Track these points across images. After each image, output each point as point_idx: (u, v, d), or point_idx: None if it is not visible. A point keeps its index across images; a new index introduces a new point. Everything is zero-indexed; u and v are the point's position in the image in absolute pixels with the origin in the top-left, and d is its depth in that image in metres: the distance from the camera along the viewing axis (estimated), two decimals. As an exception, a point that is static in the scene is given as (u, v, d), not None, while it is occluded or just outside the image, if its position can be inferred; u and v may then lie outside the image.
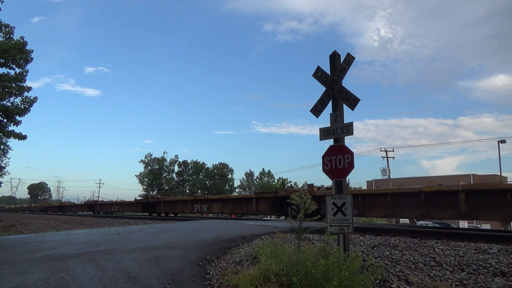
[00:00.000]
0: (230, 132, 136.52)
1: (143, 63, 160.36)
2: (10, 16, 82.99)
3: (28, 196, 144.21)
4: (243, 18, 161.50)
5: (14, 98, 19.86)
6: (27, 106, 20.03)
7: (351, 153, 4.93)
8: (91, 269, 5.13)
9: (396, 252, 5.80)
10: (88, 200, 62.39)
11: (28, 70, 20.56)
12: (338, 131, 5.10)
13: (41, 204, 60.75)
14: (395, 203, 13.29)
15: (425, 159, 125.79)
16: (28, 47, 20.08)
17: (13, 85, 19.61)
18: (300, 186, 48.63)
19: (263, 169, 72.38)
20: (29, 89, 20.25)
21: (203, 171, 77.35)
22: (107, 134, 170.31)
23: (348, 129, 5.02)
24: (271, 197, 18.44)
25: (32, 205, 78.36)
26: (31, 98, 20.29)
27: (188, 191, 72.59)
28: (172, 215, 29.26)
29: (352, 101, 5.04)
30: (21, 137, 20.46)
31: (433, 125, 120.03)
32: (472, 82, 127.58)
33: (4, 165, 29.97)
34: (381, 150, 47.31)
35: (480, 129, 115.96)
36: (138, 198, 40.03)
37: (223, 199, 23.41)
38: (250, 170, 74.36)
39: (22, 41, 19.71)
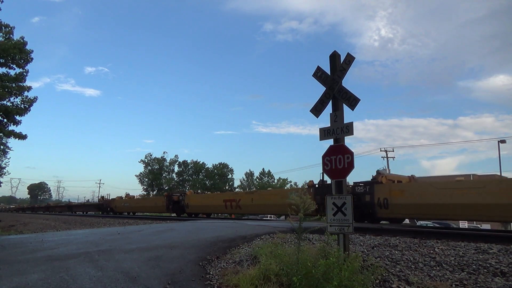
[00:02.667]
0: (230, 132, 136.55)
1: (143, 63, 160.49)
2: (10, 16, 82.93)
3: (28, 196, 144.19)
4: (243, 18, 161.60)
5: (14, 98, 19.85)
6: (27, 106, 20.00)
7: (351, 153, 4.93)
8: (91, 269, 5.13)
9: (396, 252, 5.80)
10: (101, 198, 50.76)
11: (28, 70, 20.54)
12: (338, 131, 5.10)
13: (49, 204, 57.79)
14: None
15: (425, 159, 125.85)
16: (28, 47, 20.06)
17: (13, 85, 19.60)
18: (300, 186, 48.47)
19: (263, 169, 72.33)
20: (29, 88, 20.22)
21: (203, 171, 77.25)
22: (107, 134, 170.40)
23: (348, 129, 5.02)
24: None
25: (36, 205, 76.21)
26: (31, 98, 20.26)
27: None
28: (204, 216, 26.16)
29: (352, 101, 5.04)
30: (21, 136, 20.43)
31: (433, 125, 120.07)
32: (472, 82, 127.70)
33: (4, 165, 29.96)
34: (381, 150, 47.36)
35: (480, 129, 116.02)
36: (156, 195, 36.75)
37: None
38: (250, 170, 74.27)
39: (22, 41, 19.68)
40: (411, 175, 17.12)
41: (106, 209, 38.57)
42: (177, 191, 36.16)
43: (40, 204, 77.21)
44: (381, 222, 15.33)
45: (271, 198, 20.30)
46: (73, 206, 53.15)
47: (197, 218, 23.14)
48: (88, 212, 43.78)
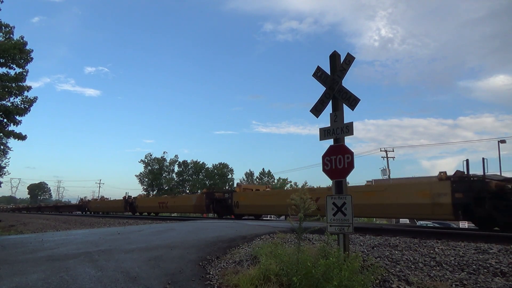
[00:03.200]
0: (230, 132, 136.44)
1: (143, 63, 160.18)
2: (10, 16, 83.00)
3: (28, 196, 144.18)
4: (243, 18, 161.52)
5: (14, 98, 19.87)
6: (27, 106, 20.02)
7: (351, 153, 4.93)
8: (91, 269, 5.13)
9: (396, 252, 5.80)
10: (80, 200, 52.00)
11: (28, 70, 20.56)
12: (338, 131, 5.10)
13: (40, 205, 57.68)
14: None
15: (425, 159, 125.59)
16: (28, 47, 20.09)
17: (13, 85, 19.61)
18: (300, 186, 48.51)
19: (263, 169, 72.45)
20: (29, 88, 20.24)
21: (203, 171, 77.31)
22: (107, 134, 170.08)
23: (348, 129, 5.02)
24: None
25: (42, 204, 76.29)
26: (31, 98, 20.29)
27: (188, 191, 72.63)
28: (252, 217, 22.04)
29: (352, 101, 5.04)
30: (21, 137, 20.45)
31: (433, 125, 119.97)
32: (472, 82, 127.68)
33: (4, 165, 29.98)
34: (381, 150, 47.39)
35: (480, 129, 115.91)
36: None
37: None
38: (250, 170, 74.40)
39: (22, 41, 19.70)
40: (267, 185, 24.09)
41: (84, 209, 46.03)
42: (220, 189, 33.64)
43: (34, 205, 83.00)
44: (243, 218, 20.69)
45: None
46: (59, 207, 61.39)
47: (197, 218, 23.11)
48: (74, 212, 49.87)
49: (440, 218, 16.40)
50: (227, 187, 72.45)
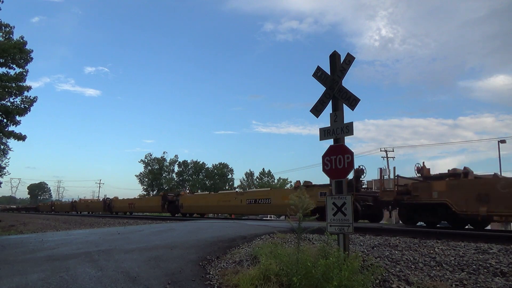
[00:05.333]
0: (230, 132, 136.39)
1: (143, 63, 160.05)
2: (10, 16, 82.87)
3: (28, 196, 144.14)
4: (243, 18, 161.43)
5: (14, 98, 19.86)
6: (27, 106, 20.02)
7: (351, 153, 4.93)
8: (91, 269, 5.13)
9: (396, 252, 5.80)
10: (105, 198, 49.25)
11: (28, 69, 20.56)
12: (338, 131, 5.10)
13: (74, 202, 54.82)
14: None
15: (425, 159, 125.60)
16: (28, 47, 20.09)
17: (13, 84, 19.60)
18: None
19: (263, 169, 72.29)
20: (28, 88, 20.23)
21: (203, 171, 77.27)
22: (107, 134, 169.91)
23: (348, 129, 5.02)
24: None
25: (22, 206, 77.41)
26: (31, 98, 20.28)
27: (187, 191, 72.63)
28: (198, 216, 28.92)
29: (352, 101, 5.04)
30: (21, 137, 20.43)
31: (433, 125, 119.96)
32: (472, 82, 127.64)
33: (4, 165, 29.95)
34: (381, 150, 47.30)
35: (480, 129, 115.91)
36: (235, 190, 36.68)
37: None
38: (250, 170, 74.22)
39: (22, 40, 19.70)
40: (188, 190, 32.06)
41: (73, 209, 53.22)
42: (171, 192, 38.17)
43: (30, 205, 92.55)
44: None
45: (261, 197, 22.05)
46: (39, 207, 72.91)
47: (197, 218, 23.14)
48: (66, 212, 56.09)
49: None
50: (227, 187, 72.51)
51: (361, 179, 17.86)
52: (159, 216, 30.39)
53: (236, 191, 28.79)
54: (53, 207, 61.22)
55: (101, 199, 49.31)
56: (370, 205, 16.73)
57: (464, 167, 14.61)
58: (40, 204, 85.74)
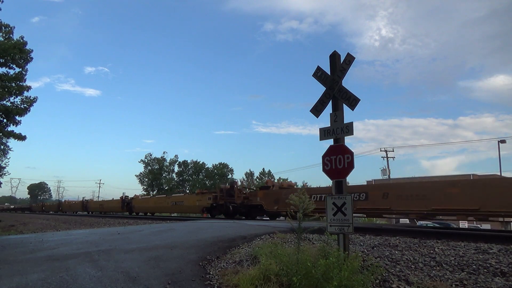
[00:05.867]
0: (230, 132, 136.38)
1: (143, 63, 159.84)
2: (10, 16, 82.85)
3: (28, 196, 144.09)
4: (243, 18, 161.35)
5: (14, 98, 19.84)
6: (27, 106, 20.01)
7: (351, 153, 4.93)
8: (91, 269, 5.13)
9: (396, 252, 5.80)
10: (83, 199, 54.06)
11: (28, 69, 20.55)
12: (338, 131, 5.10)
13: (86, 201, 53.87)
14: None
15: (425, 159, 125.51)
16: (28, 47, 20.06)
17: (13, 84, 19.59)
18: (299, 186, 49.13)
19: (263, 169, 72.32)
20: (28, 88, 20.22)
21: (203, 171, 77.31)
22: (107, 134, 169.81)
23: (348, 129, 5.02)
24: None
25: (63, 201, 73.01)
26: (31, 97, 20.26)
27: (188, 191, 72.65)
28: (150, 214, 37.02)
29: (352, 101, 5.04)
30: (21, 137, 20.42)
31: (433, 125, 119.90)
32: (472, 82, 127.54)
33: (4, 165, 29.96)
34: (381, 150, 47.34)
35: (480, 129, 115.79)
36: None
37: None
38: (250, 170, 74.27)
39: (21, 40, 19.69)
40: (141, 193, 43.04)
41: (59, 209, 59.73)
42: (126, 196, 42.00)
43: (23, 205, 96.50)
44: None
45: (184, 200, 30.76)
46: (32, 207, 79.79)
47: (197, 218, 23.17)
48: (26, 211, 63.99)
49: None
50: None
51: (235, 187, 25.53)
52: (158, 216, 32.28)
53: (166, 196, 38.31)
54: (60, 208, 60.43)
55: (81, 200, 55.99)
56: (236, 206, 24.50)
57: (267, 180, 28.57)
58: (33, 204, 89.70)
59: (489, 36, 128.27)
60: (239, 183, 37.76)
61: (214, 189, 29.23)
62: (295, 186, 25.51)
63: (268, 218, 31.49)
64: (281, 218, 29.04)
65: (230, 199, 24.45)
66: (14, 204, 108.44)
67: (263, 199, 22.37)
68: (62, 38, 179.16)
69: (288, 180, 69.57)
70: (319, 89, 5.51)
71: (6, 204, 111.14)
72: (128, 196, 39.56)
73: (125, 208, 38.02)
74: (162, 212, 34.48)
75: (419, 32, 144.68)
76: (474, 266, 4.76)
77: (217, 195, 25.25)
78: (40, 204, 76.62)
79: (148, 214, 35.57)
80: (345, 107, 5.18)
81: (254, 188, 26.12)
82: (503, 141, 36.63)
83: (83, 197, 56.59)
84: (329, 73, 5.42)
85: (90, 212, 46.95)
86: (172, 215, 33.49)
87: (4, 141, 25.49)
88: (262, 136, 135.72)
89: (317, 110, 5.53)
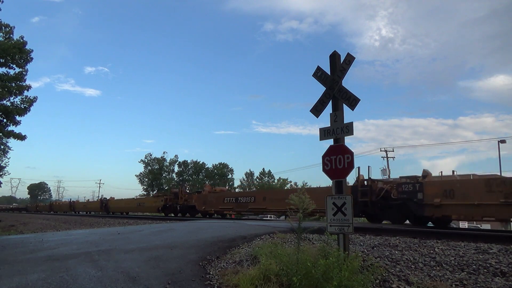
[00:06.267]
0: (230, 132, 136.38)
1: (143, 63, 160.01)
2: (10, 16, 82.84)
3: (28, 196, 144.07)
4: (243, 18, 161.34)
5: (14, 98, 19.82)
6: (27, 106, 19.99)
7: (351, 153, 4.93)
8: (91, 269, 5.13)
9: (396, 252, 5.80)
10: (70, 201, 60.93)
11: (27, 69, 20.53)
12: (338, 131, 5.10)
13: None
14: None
15: (425, 159, 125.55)
16: (28, 47, 20.02)
17: (13, 84, 19.58)
18: (300, 186, 49.34)
19: (263, 169, 72.18)
20: (28, 88, 20.20)
21: (203, 171, 77.32)
22: (107, 134, 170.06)
23: (348, 129, 5.02)
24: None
25: (73, 201, 70.89)
26: (31, 97, 20.23)
27: (187, 191, 72.61)
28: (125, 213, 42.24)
29: (352, 101, 5.04)
30: (21, 137, 20.41)
31: (433, 125, 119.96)
32: (472, 82, 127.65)
33: (4, 165, 29.97)
34: (381, 150, 47.30)
35: (480, 129, 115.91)
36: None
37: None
38: (250, 170, 74.11)
39: (21, 40, 19.67)
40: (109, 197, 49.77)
41: (51, 209, 64.18)
42: (105, 198, 48.81)
43: (19, 206, 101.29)
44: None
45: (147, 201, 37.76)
46: (28, 207, 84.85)
47: (197, 218, 23.20)
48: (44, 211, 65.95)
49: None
50: (227, 187, 72.42)
51: (181, 191, 31.05)
52: (158, 216, 32.59)
53: (133, 198, 45.26)
54: (51, 208, 65.96)
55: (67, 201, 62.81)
56: (181, 206, 30.02)
57: (205, 185, 39.07)
58: (28, 205, 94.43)
59: (489, 36, 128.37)
60: (187, 188, 45.94)
61: (169, 193, 35.25)
62: (231, 191, 34.23)
63: (268, 218, 31.91)
64: (281, 217, 30.36)
65: (176, 200, 30.75)
66: (12, 204, 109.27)
67: (196, 201, 28.17)
68: (62, 38, 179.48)
69: (287, 180, 69.86)
70: (319, 89, 5.51)
71: (5, 205, 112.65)
72: (106, 198, 47.33)
73: (103, 208, 44.06)
74: (130, 211, 40.94)
75: (419, 32, 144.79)
76: (474, 266, 4.77)
77: (168, 198, 31.86)
78: (34, 205, 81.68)
79: (124, 213, 41.49)
80: (345, 107, 5.18)
81: (196, 192, 32.01)
82: (503, 141, 36.59)
83: (70, 199, 64.64)
84: (329, 73, 5.42)
85: (76, 212, 53.56)
86: (138, 213, 40.23)
87: (4, 141, 25.51)
88: (262, 136, 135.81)
89: (317, 110, 5.53)
